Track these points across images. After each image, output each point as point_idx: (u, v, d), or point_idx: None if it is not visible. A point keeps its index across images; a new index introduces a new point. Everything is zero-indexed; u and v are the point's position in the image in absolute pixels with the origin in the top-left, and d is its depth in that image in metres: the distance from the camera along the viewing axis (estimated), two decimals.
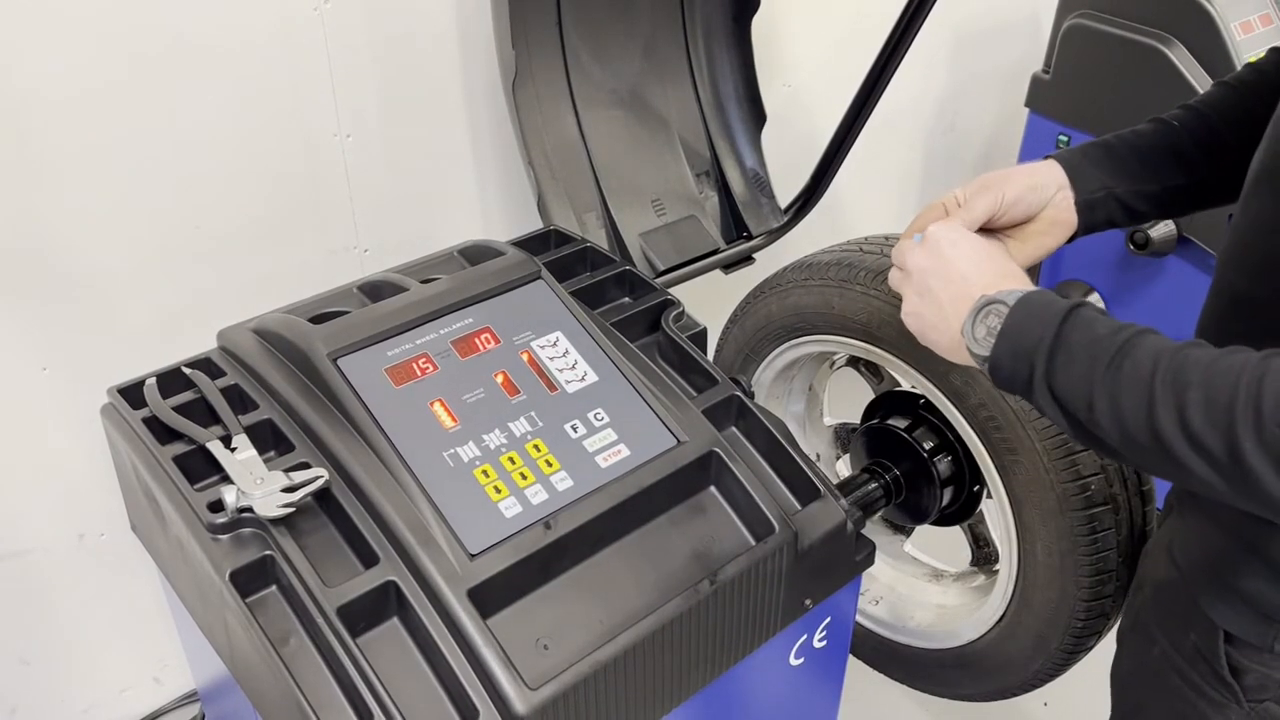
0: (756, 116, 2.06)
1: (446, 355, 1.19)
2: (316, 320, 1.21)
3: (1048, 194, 1.11)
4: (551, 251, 1.48)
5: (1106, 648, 1.21)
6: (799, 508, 1.25)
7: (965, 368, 1.35)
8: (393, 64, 1.75)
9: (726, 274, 2.04)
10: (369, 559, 1.06)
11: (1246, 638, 0.94)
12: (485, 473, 1.11)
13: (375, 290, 1.30)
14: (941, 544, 1.85)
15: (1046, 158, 1.14)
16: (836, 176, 2.02)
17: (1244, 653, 0.95)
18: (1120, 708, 1.14)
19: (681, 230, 1.98)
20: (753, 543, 1.19)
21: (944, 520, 1.61)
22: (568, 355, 1.24)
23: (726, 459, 1.20)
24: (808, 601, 1.27)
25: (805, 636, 1.34)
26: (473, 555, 1.04)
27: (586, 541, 1.12)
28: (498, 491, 1.10)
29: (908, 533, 1.80)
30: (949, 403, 1.39)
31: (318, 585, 1.02)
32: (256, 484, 1.08)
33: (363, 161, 1.79)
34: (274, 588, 1.06)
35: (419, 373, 1.17)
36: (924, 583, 1.75)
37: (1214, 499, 0.83)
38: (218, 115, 1.60)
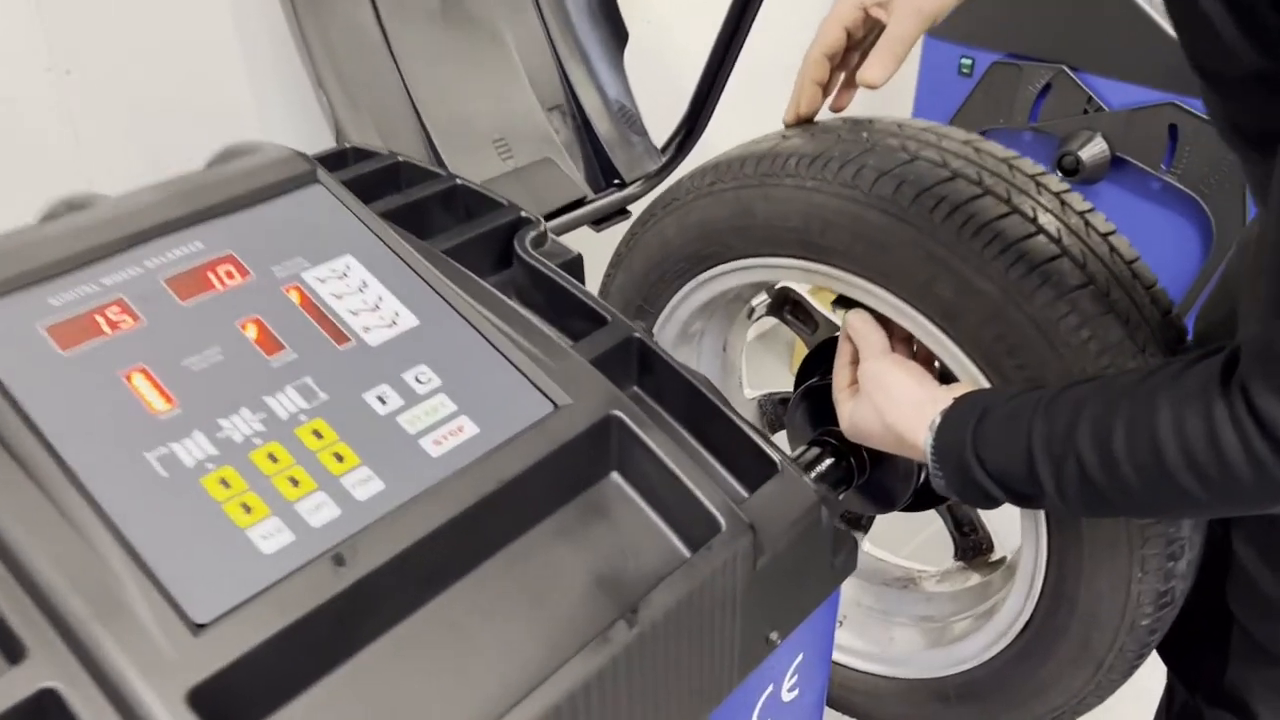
0: (616, 33, 1.66)
1: (157, 299, 0.72)
2: None
3: None
4: (350, 169, 1.02)
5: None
6: (746, 494, 0.82)
7: (952, 276, 0.96)
8: None
9: (597, 231, 1.63)
10: (11, 652, 0.58)
11: None
12: (224, 481, 0.64)
13: (52, 215, 0.82)
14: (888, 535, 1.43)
15: None
16: (717, 109, 1.65)
17: None
18: None
19: (536, 177, 1.55)
20: (687, 552, 0.76)
21: (917, 501, 1.20)
22: (366, 290, 0.78)
23: (634, 426, 0.76)
24: (773, 635, 0.84)
25: (771, 689, 0.90)
26: (199, 627, 0.58)
27: (415, 579, 0.66)
28: (246, 511, 0.63)
29: (865, 527, 1.38)
30: (935, 328, 0.98)
31: None
32: None
33: (92, 98, 1.30)
34: None
35: (107, 328, 0.69)
36: (896, 591, 1.33)
37: None
38: None
